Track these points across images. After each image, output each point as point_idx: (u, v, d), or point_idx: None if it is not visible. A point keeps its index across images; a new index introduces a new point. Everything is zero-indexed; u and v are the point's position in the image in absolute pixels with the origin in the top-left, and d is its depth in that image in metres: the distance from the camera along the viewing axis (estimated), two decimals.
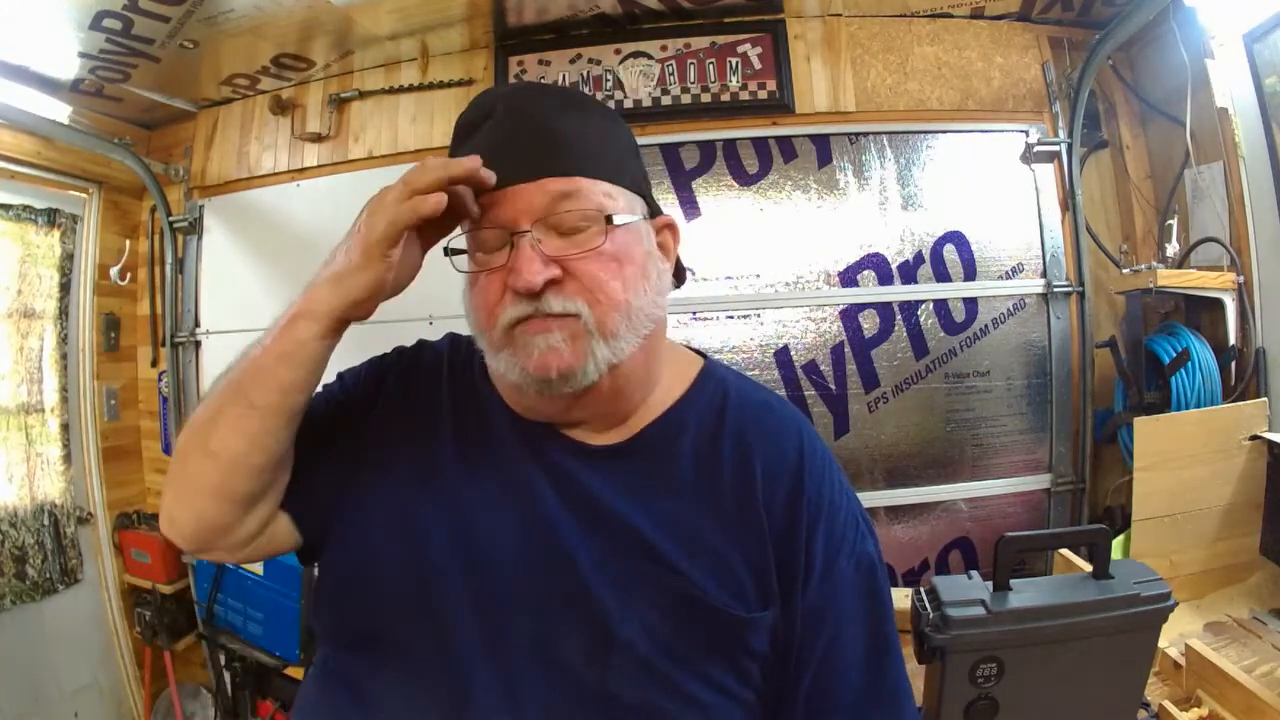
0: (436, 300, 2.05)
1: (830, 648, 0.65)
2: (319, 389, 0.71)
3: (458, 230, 0.65)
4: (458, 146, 0.66)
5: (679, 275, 0.74)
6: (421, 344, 0.80)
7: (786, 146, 1.94)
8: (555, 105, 0.65)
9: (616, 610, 0.61)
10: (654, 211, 0.70)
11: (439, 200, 0.58)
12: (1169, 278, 1.67)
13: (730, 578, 0.64)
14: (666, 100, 1.95)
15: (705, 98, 1.95)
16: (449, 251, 0.66)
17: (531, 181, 0.61)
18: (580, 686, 0.60)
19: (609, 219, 0.62)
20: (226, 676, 2.05)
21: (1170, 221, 1.79)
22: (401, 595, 0.63)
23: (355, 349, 0.77)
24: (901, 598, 0.90)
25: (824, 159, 1.94)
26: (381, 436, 0.70)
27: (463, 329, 0.79)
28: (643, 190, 0.68)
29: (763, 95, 1.94)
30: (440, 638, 0.62)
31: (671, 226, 0.72)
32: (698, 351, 0.78)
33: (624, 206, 0.65)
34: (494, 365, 0.65)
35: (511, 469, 0.67)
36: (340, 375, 0.77)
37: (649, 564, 0.63)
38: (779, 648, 0.65)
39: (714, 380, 0.74)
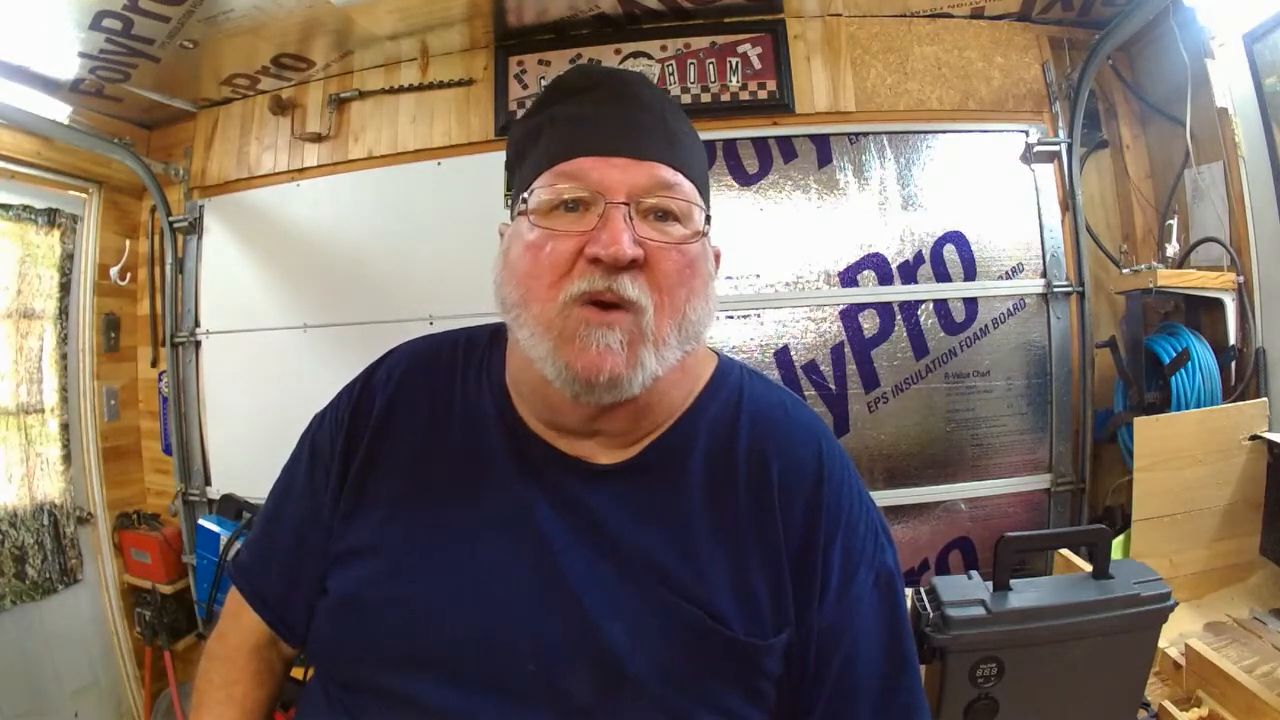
0: (436, 300, 2.07)
1: (846, 666, 0.63)
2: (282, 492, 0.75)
3: (535, 183, 0.60)
4: (552, 105, 0.63)
5: None
6: (360, 384, 0.74)
7: (786, 146, 1.94)
8: (668, 103, 0.64)
9: (626, 644, 0.59)
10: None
11: None
12: (1169, 278, 1.67)
13: (746, 599, 0.61)
14: None
15: (705, 98, 1.95)
16: (523, 213, 0.60)
17: (637, 159, 0.59)
18: None
19: (708, 219, 0.62)
20: None
21: (1170, 221, 1.79)
22: (398, 645, 0.61)
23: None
24: None
25: (824, 159, 1.94)
26: (357, 494, 0.67)
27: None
28: (709, 216, 0.67)
29: (763, 95, 1.94)
30: (443, 683, 0.59)
31: (719, 257, 0.69)
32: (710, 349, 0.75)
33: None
34: (532, 348, 0.59)
35: (511, 497, 0.64)
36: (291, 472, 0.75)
37: (659, 591, 0.60)
38: (793, 666, 0.63)
39: (728, 382, 0.70)
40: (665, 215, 0.60)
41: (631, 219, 0.57)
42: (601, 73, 0.65)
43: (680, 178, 0.61)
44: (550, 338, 0.58)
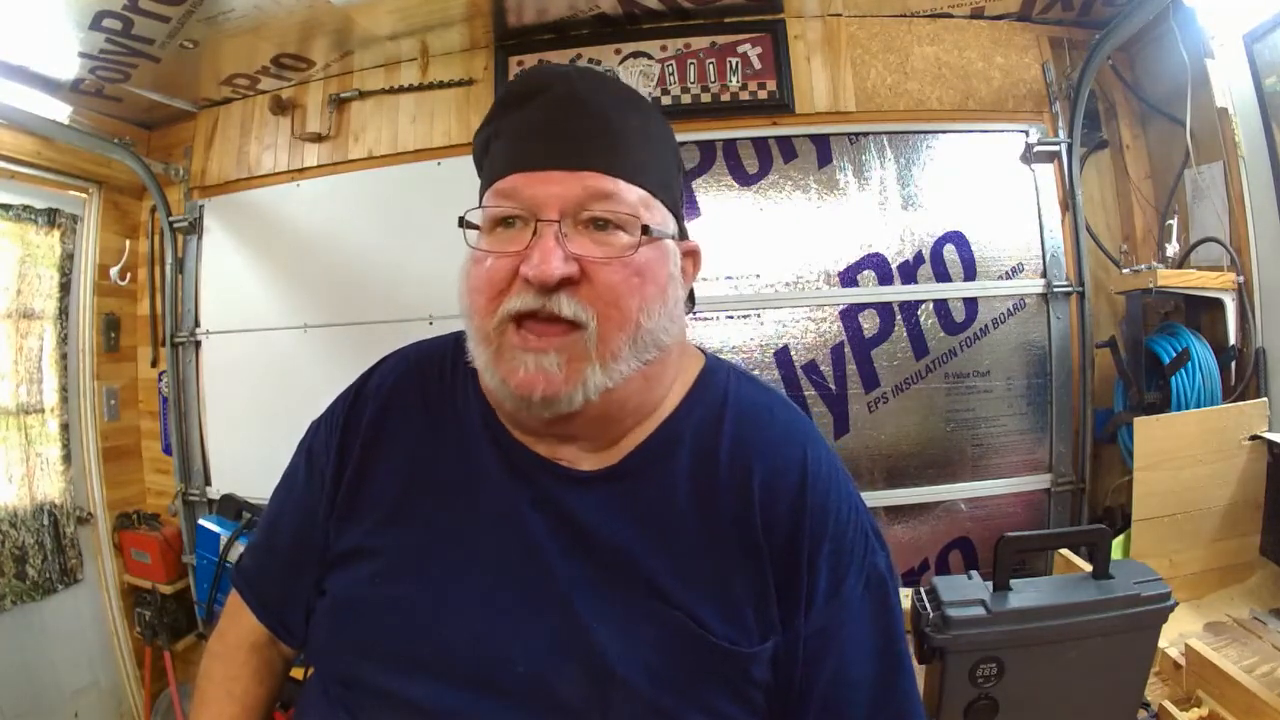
0: (436, 300, 2.07)
1: (838, 672, 0.63)
2: (282, 496, 0.75)
3: (483, 201, 0.61)
4: (499, 117, 0.63)
5: (688, 301, 0.70)
6: (354, 390, 0.74)
7: (786, 146, 1.94)
8: (617, 101, 0.62)
9: (615, 648, 0.59)
10: (682, 234, 0.67)
11: None
12: (1169, 278, 1.66)
13: (730, 607, 0.61)
14: (666, 100, 1.95)
15: (705, 98, 1.95)
16: (464, 224, 0.62)
17: (571, 171, 0.57)
18: None
19: (645, 229, 0.59)
20: None
21: (1170, 221, 1.79)
22: (393, 646, 0.62)
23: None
24: (901, 598, 0.90)
25: (824, 159, 1.94)
26: (352, 497, 0.68)
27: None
28: (678, 211, 0.66)
29: (763, 95, 1.94)
30: (436, 684, 0.60)
31: (695, 254, 0.68)
32: (700, 349, 0.74)
33: (659, 221, 0.61)
34: (475, 358, 0.62)
35: (498, 500, 0.64)
36: (289, 478, 0.76)
37: (645, 596, 0.60)
38: (782, 673, 0.62)
39: (714, 384, 0.69)
40: (606, 225, 0.58)
41: (564, 235, 0.57)
42: (545, 77, 0.62)
43: (620, 185, 0.59)
44: (489, 350, 0.59)
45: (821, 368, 1.91)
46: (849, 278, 1.92)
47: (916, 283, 1.91)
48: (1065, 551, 1.43)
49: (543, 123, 0.59)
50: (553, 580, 0.61)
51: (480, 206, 0.62)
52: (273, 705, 0.75)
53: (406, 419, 0.70)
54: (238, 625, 0.76)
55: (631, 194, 0.59)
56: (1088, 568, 1.08)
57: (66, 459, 2.19)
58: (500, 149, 0.61)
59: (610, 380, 0.58)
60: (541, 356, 0.57)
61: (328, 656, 0.68)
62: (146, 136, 2.34)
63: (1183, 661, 1.19)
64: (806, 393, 1.90)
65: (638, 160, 0.61)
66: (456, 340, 0.74)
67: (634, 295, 0.58)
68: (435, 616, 0.62)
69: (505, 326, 0.58)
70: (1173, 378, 1.63)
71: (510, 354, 0.58)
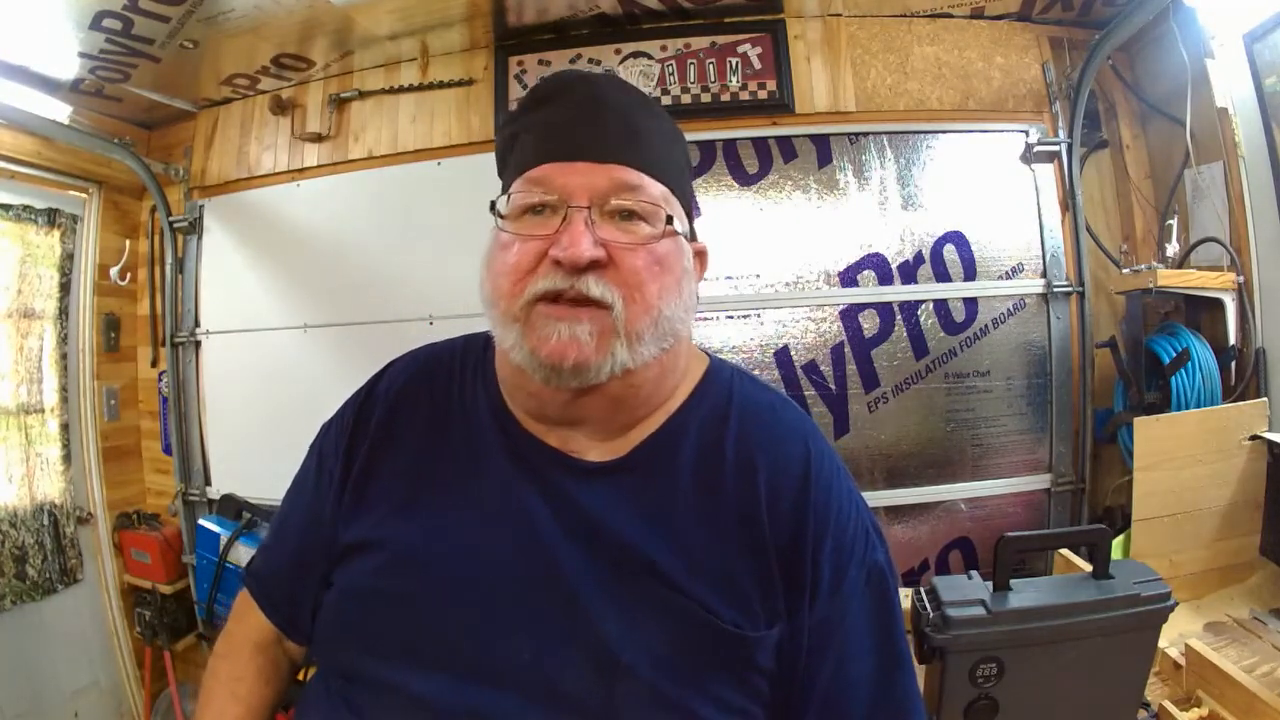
0: (436, 301, 2.08)
1: (839, 664, 0.64)
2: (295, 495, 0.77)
3: (509, 190, 0.64)
4: (526, 114, 0.66)
5: None
6: (364, 392, 0.76)
7: (786, 146, 1.94)
8: (636, 103, 0.66)
9: (620, 635, 0.60)
10: (691, 235, 0.69)
11: None
12: (1169, 278, 1.66)
13: (735, 594, 0.62)
14: (666, 100, 1.95)
15: (705, 98, 1.95)
16: (495, 210, 0.64)
17: (599, 164, 0.61)
18: (585, 715, 0.59)
19: (669, 219, 0.62)
20: None
21: (1170, 221, 1.79)
22: (397, 637, 0.62)
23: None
24: (902, 598, 0.90)
25: (824, 159, 1.94)
26: (359, 493, 0.69)
27: (459, 330, 0.79)
28: (689, 211, 0.69)
29: (763, 95, 1.94)
30: (439, 676, 0.60)
31: (703, 255, 0.71)
32: (704, 350, 0.76)
33: (679, 216, 0.65)
34: (502, 339, 0.63)
35: (505, 493, 0.65)
36: (300, 480, 0.77)
37: (652, 584, 0.61)
38: (786, 663, 0.63)
39: (719, 381, 0.71)
40: (631, 215, 0.61)
41: (592, 222, 0.60)
42: (572, 78, 0.66)
43: (645, 179, 0.62)
44: (516, 327, 0.61)
45: (821, 368, 1.91)
46: (849, 278, 1.92)
47: (916, 283, 1.91)
48: (1065, 551, 1.43)
49: (570, 119, 0.63)
50: (558, 572, 0.62)
51: (508, 193, 0.64)
52: (277, 706, 0.76)
53: (415, 417, 0.71)
54: (244, 625, 0.77)
55: (655, 188, 0.63)
56: (1088, 568, 1.08)
57: (66, 459, 2.19)
58: (529, 142, 0.64)
59: (633, 360, 0.61)
60: (575, 325, 0.59)
61: (331, 649, 0.68)
62: (146, 136, 2.34)
63: (1183, 661, 1.19)
64: (806, 393, 1.90)
65: (659, 158, 0.64)
66: (466, 341, 0.76)
67: (655, 281, 0.61)
68: (439, 609, 0.62)
69: (532, 306, 0.60)
70: (1173, 378, 1.63)
71: (542, 323, 0.59)
